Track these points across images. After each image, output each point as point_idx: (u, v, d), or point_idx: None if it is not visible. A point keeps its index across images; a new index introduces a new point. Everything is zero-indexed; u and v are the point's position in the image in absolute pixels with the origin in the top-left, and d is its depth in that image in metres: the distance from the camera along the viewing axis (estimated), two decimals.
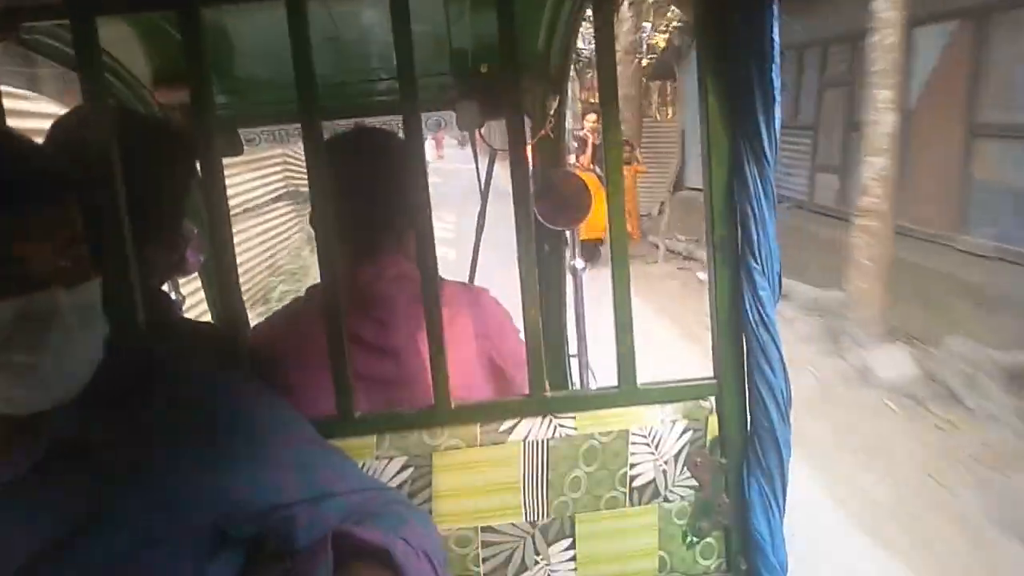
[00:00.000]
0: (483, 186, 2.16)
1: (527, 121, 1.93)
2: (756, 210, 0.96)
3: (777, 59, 0.91)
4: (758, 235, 0.96)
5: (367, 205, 1.29)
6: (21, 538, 0.72)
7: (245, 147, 1.87)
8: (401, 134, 1.12)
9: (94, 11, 0.95)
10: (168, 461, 0.76)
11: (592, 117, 9.04)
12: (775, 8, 0.90)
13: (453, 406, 1.06)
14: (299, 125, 1.00)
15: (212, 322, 1.91)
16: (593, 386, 2.11)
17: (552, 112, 1.89)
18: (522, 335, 1.45)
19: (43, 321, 0.69)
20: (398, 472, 1.05)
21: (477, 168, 2.17)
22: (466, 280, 2.17)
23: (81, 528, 0.72)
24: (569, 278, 2.11)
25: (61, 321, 0.70)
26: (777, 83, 0.92)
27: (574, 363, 2.14)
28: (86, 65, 0.95)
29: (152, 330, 1.00)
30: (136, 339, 0.95)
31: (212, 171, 1.00)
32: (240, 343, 1.04)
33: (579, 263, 2.08)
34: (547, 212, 1.76)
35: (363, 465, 1.03)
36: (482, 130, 1.93)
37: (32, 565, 0.71)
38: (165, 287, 1.34)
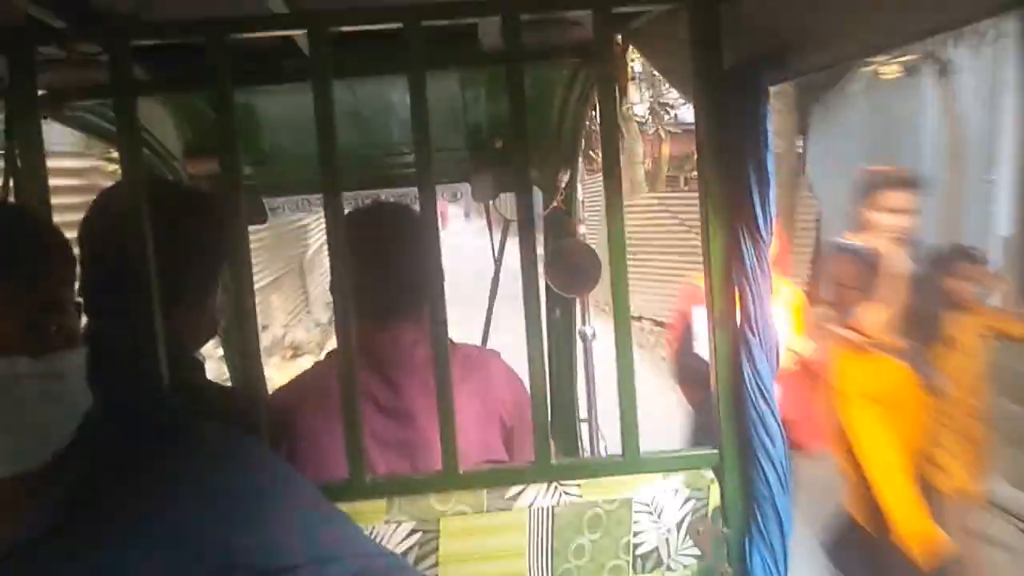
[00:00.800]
0: (497, 253, 2.23)
1: (539, 193, 2.01)
2: (753, 286, 1.00)
3: (771, 145, 0.97)
4: (755, 310, 1.01)
5: (385, 274, 1.35)
6: None
7: (270, 215, 1.95)
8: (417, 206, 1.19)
9: (136, 91, 1.03)
10: (175, 520, 0.77)
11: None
12: (768, 101, 0.96)
13: (461, 471, 1.09)
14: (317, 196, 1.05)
15: (232, 386, 1.95)
16: (604, 451, 2.13)
17: (564, 185, 1.96)
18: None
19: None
20: (406, 537, 1.07)
21: (491, 238, 2.24)
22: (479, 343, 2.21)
23: None
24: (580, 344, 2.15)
25: (20, 391, 0.70)
26: (771, 168, 0.97)
27: (584, 428, 2.17)
28: (126, 140, 1.02)
29: (176, 393, 1.04)
30: (157, 402, 0.97)
31: (238, 238, 1.06)
32: (258, 408, 1.08)
33: (589, 329, 2.12)
34: (559, 280, 1.82)
35: (372, 529, 1.05)
36: (496, 202, 2.01)
37: None
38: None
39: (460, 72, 1.59)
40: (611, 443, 2.20)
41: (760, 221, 0.98)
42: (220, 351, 2.32)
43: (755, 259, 1.00)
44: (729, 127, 1.01)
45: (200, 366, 1.28)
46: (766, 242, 0.99)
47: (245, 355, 1.07)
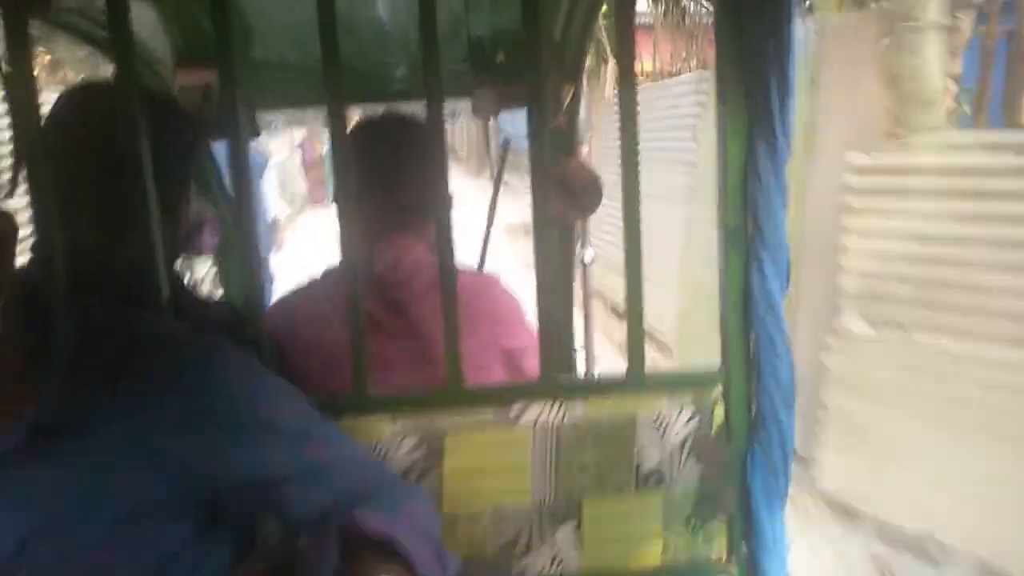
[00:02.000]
0: (495, 174, 2.19)
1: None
2: (768, 202, 0.97)
3: (794, 57, 0.93)
4: (769, 226, 0.98)
5: (388, 190, 1.32)
6: (17, 513, 0.73)
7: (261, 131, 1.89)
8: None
9: None
10: (161, 430, 0.76)
11: None
12: (793, 9, 0.91)
13: (466, 388, 1.08)
14: (310, 109, 1.02)
15: (222, 300, 1.93)
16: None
17: (567, 102, 1.90)
18: (530, 322, 1.47)
19: None
20: (410, 451, 1.07)
21: (490, 160, 2.19)
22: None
23: (81, 500, 0.74)
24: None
25: None
26: (793, 80, 0.93)
27: (580, 355, 2.16)
28: (119, 43, 0.97)
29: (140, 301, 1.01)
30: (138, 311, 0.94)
31: (237, 152, 1.02)
32: (257, 320, 1.06)
33: (587, 254, 2.10)
34: (557, 203, 1.78)
35: (376, 444, 1.05)
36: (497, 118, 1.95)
37: (32, 539, 0.72)
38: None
39: None
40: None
41: (778, 131, 0.95)
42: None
43: (771, 171, 0.96)
44: (750, 31, 0.96)
45: (181, 278, 1.26)
46: (784, 154, 0.96)
47: (247, 267, 1.04)
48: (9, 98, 1.02)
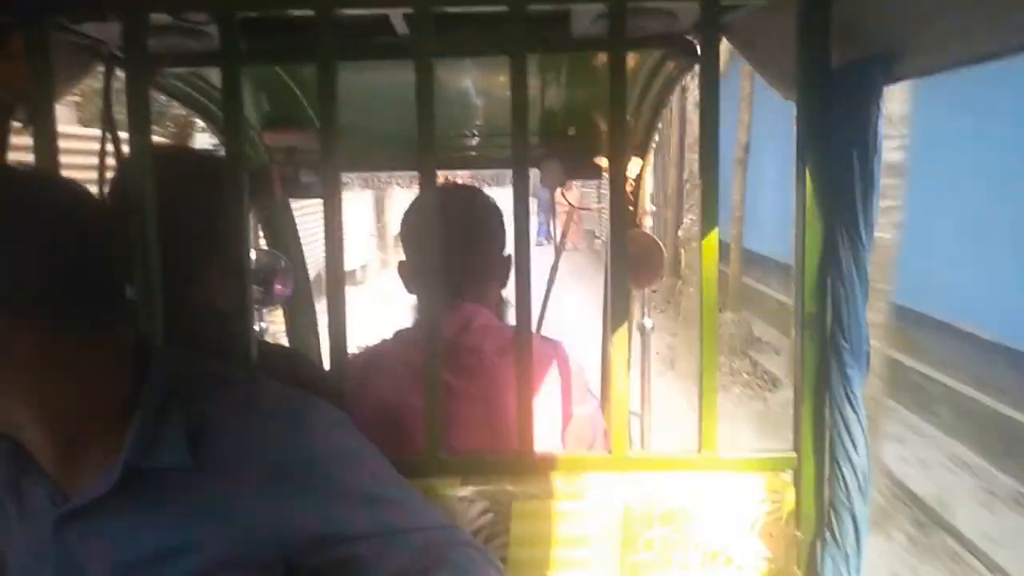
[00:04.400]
0: (558, 241, 2.23)
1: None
2: (849, 291, 0.99)
3: (880, 149, 0.95)
4: (849, 315, 0.99)
5: (460, 256, 1.36)
6: (99, 561, 0.77)
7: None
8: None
9: (242, 61, 1.05)
10: (242, 492, 0.78)
11: None
12: (881, 101, 0.94)
13: (536, 456, 1.10)
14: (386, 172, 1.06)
15: (291, 348, 1.98)
16: (647, 446, 2.13)
17: (635, 177, 1.95)
18: (592, 390, 1.49)
19: None
20: (478, 516, 1.08)
21: (552, 225, 2.24)
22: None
23: (159, 551, 0.77)
24: (637, 337, 2.14)
25: None
26: (879, 171, 0.95)
27: (636, 422, 2.16)
28: (230, 109, 1.04)
29: (219, 353, 1.05)
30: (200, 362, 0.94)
31: (332, 211, 1.06)
32: (340, 372, 1.08)
33: (647, 322, 2.11)
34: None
35: (445, 507, 1.07)
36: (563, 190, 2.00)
37: None
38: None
39: (540, 58, 1.58)
40: (656, 439, 2.21)
41: (861, 225, 0.97)
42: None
43: (853, 263, 0.98)
44: (833, 127, 0.99)
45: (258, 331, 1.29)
46: (865, 246, 0.98)
47: (333, 318, 1.07)
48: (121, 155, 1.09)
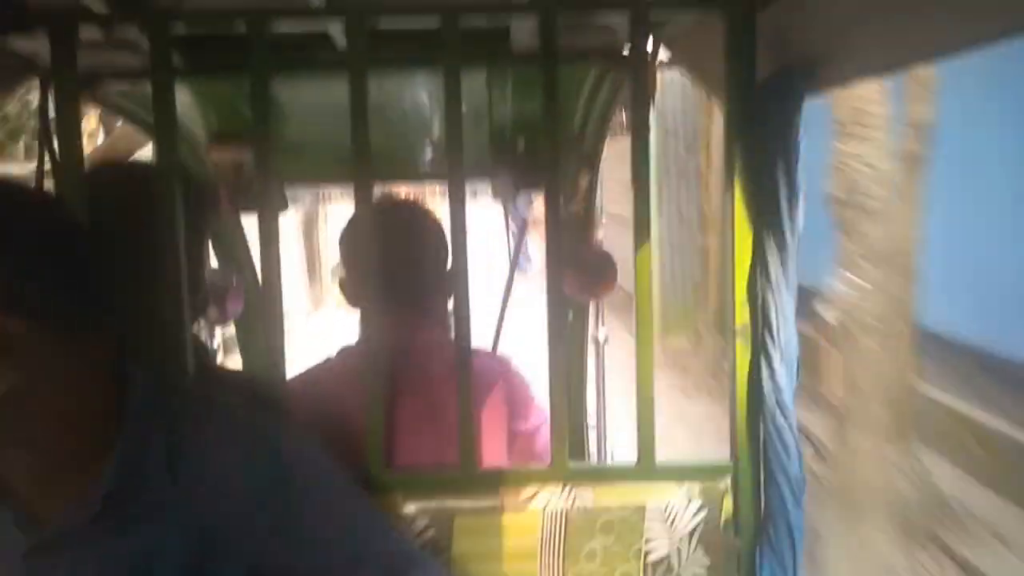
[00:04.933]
0: (512, 254, 2.23)
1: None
2: (777, 299, 1.00)
3: (801, 157, 0.97)
4: (778, 322, 1.00)
5: (403, 272, 1.35)
6: None
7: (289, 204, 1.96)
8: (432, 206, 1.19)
9: (174, 77, 1.04)
10: (214, 512, 0.79)
11: None
12: (802, 109, 0.95)
13: (477, 471, 1.09)
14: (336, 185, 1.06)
15: (240, 371, 1.95)
16: (610, 458, 2.13)
17: (585, 188, 1.95)
18: (540, 405, 1.48)
19: None
20: (420, 532, 1.07)
21: (508, 239, 2.24)
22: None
23: (133, 573, 0.77)
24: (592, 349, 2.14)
25: None
26: (801, 179, 0.97)
27: (592, 434, 2.16)
28: (162, 125, 1.03)
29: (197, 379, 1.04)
30: (176, 383, 0.97)
31: (268, 226, 1.06)
32: (281, 394, 1.08)
33: (602, 334, 2.11)
34: (572, 284, 1.81)
35: None
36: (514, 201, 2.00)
37: None
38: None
39: (487, 72, 1.59)
40: (618, 452, 2.21)
41: (787, 232, 0.98)
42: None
43: (780, 270, 0.99)
44: (759, 137, 1.01)
45: (207, 351, 1.28)
46: (791, 253, 0.99)
47: (271, 341, 1.07)
48: (58, 170, 1.07)
